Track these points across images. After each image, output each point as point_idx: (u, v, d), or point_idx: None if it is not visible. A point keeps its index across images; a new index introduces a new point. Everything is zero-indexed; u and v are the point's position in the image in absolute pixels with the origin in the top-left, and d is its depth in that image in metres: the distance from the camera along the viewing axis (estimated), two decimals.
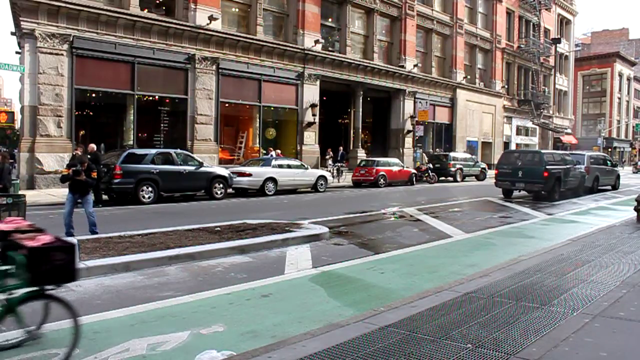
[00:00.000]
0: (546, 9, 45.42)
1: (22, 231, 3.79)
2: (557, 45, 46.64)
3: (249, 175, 17.53)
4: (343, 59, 26.39)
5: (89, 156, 13.73)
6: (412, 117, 30.69)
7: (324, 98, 26.52)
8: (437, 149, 33.09)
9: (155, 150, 16.22)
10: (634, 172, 45.28)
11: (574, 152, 26.01)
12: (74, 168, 9.10)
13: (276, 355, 3.68)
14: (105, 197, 14.45)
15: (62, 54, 17.17)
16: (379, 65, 28.73)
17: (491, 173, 25.49)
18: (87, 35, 17.76)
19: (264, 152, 23.42)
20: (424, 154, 31.26)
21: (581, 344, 4.02)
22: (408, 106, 30.82)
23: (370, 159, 24.97)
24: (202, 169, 16.18)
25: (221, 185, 16.46)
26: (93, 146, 14.52)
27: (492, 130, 39.48)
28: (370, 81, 28.19)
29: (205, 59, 20.82)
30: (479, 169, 29.65)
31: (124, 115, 19.82)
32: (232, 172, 17.35)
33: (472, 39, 36.80)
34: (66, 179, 9.18)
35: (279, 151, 23.16)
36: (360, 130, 29.11)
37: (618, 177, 23.95)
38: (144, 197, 14.49)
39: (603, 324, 4.53)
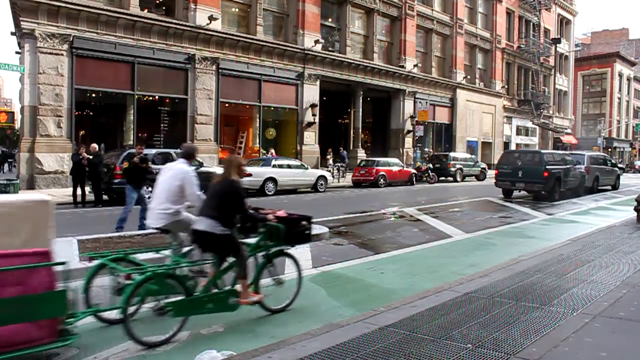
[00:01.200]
0: (546, 9, 45.42)
1: (261, 208, 5.48)
2: (557, 45, 46.64)
3: (249, 175, 17.51)
4: (343, 59, 26.39)
5: (90, 156, 13.80)
6: (412, 117, 30.69)
7: (324, 98, 26.52)
8: (433, 150, 33.07)
9: (155, 150, 16.21)
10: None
11: (574, 152, 26.02)
12: (141, 156, 9.67)
13: (276, 355, 3.68)
14: (105, 197, 14.44)
15: (62, 54, 17.18)
16: (379, 65, 28.73)
17: (491, 173, 25.50)
18: (87, 35, 17.76)
19: (264, 152, 23.44)
20: (418, 154, 31.23)
21: (581, 344, 4.02)
22: (408, 106, 30.82)
23: (370, 159, 24.97)
24: (202, 169, 16.15)
25: None
26: (95, 146, 14.52)
27: (492, 130, 39.49)
28: (370, 81, 28.19)
29: (205, 59, 20.82)
30: (479, 169, 29.66)
31: (124, 115, 19.82)
32: None
33: (472, 39, 36.81)
34: (130, 169, 9.63)
35: (272, 151, 23.17)
36: (360, 130, 29.12)
37: (618, 177, 23.96)
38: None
39: (603, 324, 4.53)
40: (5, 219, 3.94)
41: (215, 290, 4.74)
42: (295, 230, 5.31)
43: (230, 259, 4.85)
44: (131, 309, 4.18)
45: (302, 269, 5.53)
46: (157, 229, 5.48)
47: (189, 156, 5.73)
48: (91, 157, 13.75)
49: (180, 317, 4.36)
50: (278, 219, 5.13)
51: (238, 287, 4.78)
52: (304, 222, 5.43)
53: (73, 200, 13.95)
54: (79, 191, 14.03)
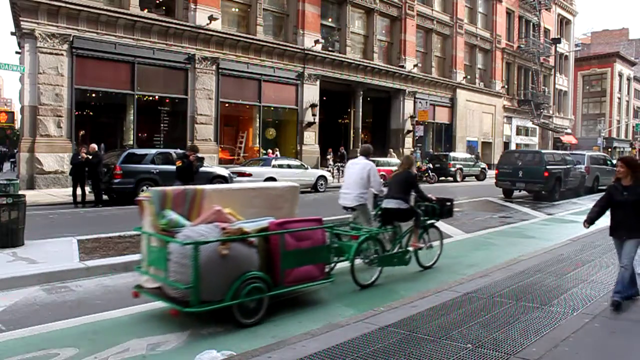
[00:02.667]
0: (546, 9, 45.40)
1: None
2: (557, 45, 46.61)
3: (249, 175, 17.51)
4: (343, 59, 26.38)
5: (90, 156, 13.80)
6: (412, 117, 30.67)
7: (324, 98, 26.50)
8: (433, 150, 33.07)
9: (155, 150, 16.21)
10: None
11: (574, 152, 26.01)
12: (197, 155, 10.58)
13: (276, 355, 3.68)
14: (105, 197, 14.44)
15: (62, 54, 17.17)
16: (379, 65, 28.72)
17: (491, 173, 25.49)
18: (87, 35, 17.75)
19: (264, 152, 23.44)
20: (418, 153, 31.17)
21: (581, 344, 4.02)
22: (408, 106, 30.81)
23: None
24: (202, 169, 16.15)
25: None
26: (94, 146, 14.52)
27: (492, 130, 39.48)
28: (370, 81, 28.18)
29: (205, 59, 20.82)
30: (479, 169, 29.65)
31: (124, 115, 19.81)
32: (232, 172, 17.34)
33: (472, 39, 36.80)
34: (184, 168, 10.37)
35: (270, 151, 23.11)
36: (360, 130, 29.10)
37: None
38: None
39: (603, 324, 4.54)
40: (277, 198, 6.05)
41: (397, 250, 6.72)
42: (444, 208, 7.46)
43: (405, 228, 6.90)
44: (353, 261, 5.91)
45: (443, 237, 7.69)
46: (348, 207, 7.10)
47: (367, 154, 7.42)
48: (90, 157, 13.75)
49: (379, 267, 6.30)
50: (439, 200, 7.41)
51: (410, 248, 6.82)
52: (448, 202, 7.57)
53: (73, 200, 13.94)
54: (79, 191, 14.02)
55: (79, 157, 13.85)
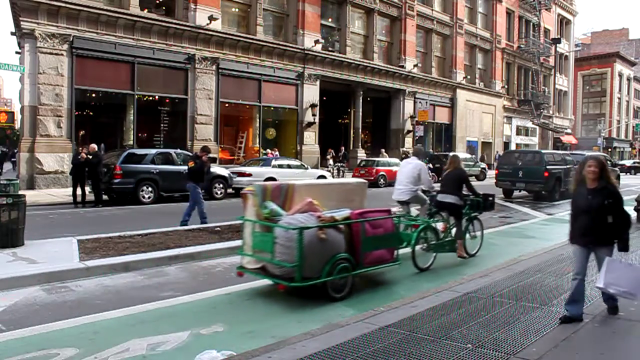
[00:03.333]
0: (546, 9, 45.39)
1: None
2: (557, 45, 46.60)
3: (249, 175, 17.51)
4: (343, 59, 26.38)
5: (90, 156, 13.80)
6: (412, 117, 30.67)
7: (324, 98, 26.50)
8: (434, 150, 33.06)
9: (155, 150, 16.21)
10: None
11: (574, 152, 26.00)
12: (208, 156, 10.67)
13: (276, 355, 3.68)
14: (105, 197, 14.44)
15: (62, 54, 17.17)
16: (379, 65, 28.72)
17: (491, 173, 25.48)
18: (87, 35, 17.74)
19: (264, 152, 23.45)
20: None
21: (581, 344, 4.02)
22: (408, 106, 30.81)
23: (370, 159, 24.95)
24: None
25: (221, 185, 16.46)
26: (94, 146, 14.52)
27: (492, 130, 39.47)
28: (370, 81, 28.18)
29: (205, 59, 20.82)
30: (479, 169, 29.64)
31: (124, 115, 19.81)
32: (232, 172, 17.34)
33: (472, 39, 36.79)
34: (196, 169, 10.44)
35: (269, 151, 23.01)
36: (360, 130, 29.10)
37: (618, 177, 23.91)
38: (144, 197, 14.49)
39: (603, 324, 4.54)
40: (350, 192, 7.00)
41: (448, 238, 7.62)
42: (487, 202, 8.30)
43: (453, 220, 7.78)
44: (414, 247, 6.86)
45: (483, 228, 8.49)
46: (401, 201, 8.28)
47: (419, 154, 8.63)
48: (90, 157, 13.75)
49: (434, 253, 7.23)
50: (483, 195, 8.27)
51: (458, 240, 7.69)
52: (490, 197, 8.40)
53: (73, 200, 13.95)
54: (79, 191, 14.02)
55: (79, 157, 13.86)
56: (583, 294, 4.64)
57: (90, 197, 14.13)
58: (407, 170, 8.22)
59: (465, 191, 7.81)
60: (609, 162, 22.78)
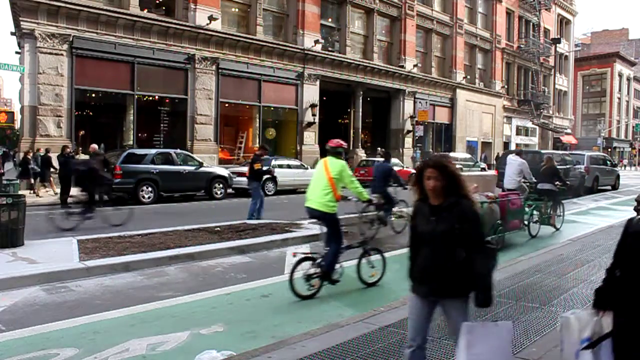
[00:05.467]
0: (546, 9, 45.39)
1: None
2: (557, 45, 46.60)
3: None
4: (343, 59, 26.38)
5: (88, 156, 13.78)
6: (412, 117, 30.66)
7: (324, 98, 26.49)
8: (434, 150, 33.05)
9: (155, 150, 16.21)
10: None
11: (573, 152, 26.00)
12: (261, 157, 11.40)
13: (276, 356, 3.68)
14: (105, 197, 14.41)
15: (62, 54, 17.17)
16: (378, 65, 28.71)
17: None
18: (87, 35, 17.74)
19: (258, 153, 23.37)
20: (418, 154, 31.13)
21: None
22: (408, 106, 30.80)
23: (371, 159, 24.94)
24: (202, 169, 16.19)
25: (221, 185, 16.46)
26: (95, 146, 14.51)
27: (492, 130, 39.46)
28: (370, 81, 28.17)
29: (205, 59, 20.81)
30: (479, 169, 29.64)
31: (124, 115, 19.80)
32: (232, 172, 17.34)
33: (472, 39, 36.79)
34: (261, 170, 11.22)
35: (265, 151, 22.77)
36: (360, 130, 29.09)
37: (618, 177, 23.93)
38: (143, 197, 14.49)
39: None
40: (489, 181, 9.80)
41: (546, 215, 10.66)
42: (570, 190, 11.43)
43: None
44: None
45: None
46: (510, 189, 10.00)
47: (521, 154, 11.69)
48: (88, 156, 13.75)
49: (541, 225, 10.33)
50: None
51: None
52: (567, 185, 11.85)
53: (61, 202, 13.32)
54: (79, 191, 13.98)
55: (66, 156, 13.85)
56: None
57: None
58: (514, 167, 10.67)
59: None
60: (608, 163, 22.97)
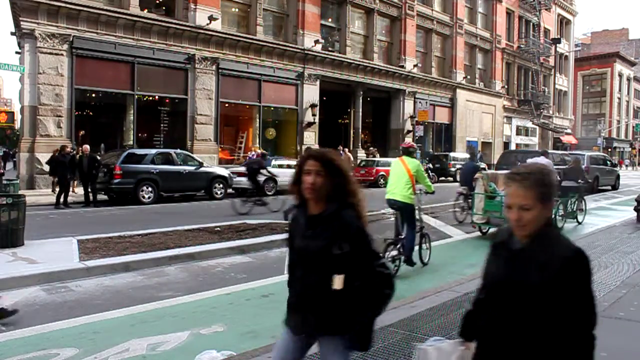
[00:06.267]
0: (546, 9, 45.38)
1: None
2: (557, 45, 46.59)
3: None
4: (343, 59, 26.37)
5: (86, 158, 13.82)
6: (412, 117, 30.65)
7: (324, 98, 26.49)
8: (434, 150, 33.07)
9: (155, 150, 16.21)
10: None
11: (573, 152, 26.00)
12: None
13: None
14: (105, 197, 14.44)
15: (62, 54, 17.16)
16: (378, 65, 28.71)
17: None
18: (87, 35, 17.74)
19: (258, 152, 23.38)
20: (418, 154, 31.11)
21: None
22: (408, 106, 30.80)
23: (370, 159, 24.95)
24: (202, 169, 16.19)
25: (221, 185, 16.46)
26: (87, 147, 14.52)
27: (492, 130, 39.46)
28: (370, 81, 28.17)
29: (205, 59, 20.81)
30: (479, 169, 29.63)
31: (124, 115, 19.80)
32: (232, 172, 17.34)
33: (472, 39, 36.78)
34: None
35: (258, 151, 22.45)
36: (360, 130, 29.09)
37: (618, 177, 23.93)
38: (143, 197, 14.48)
39: (603, 324, 4.51)
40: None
41: (570, 210, 11.64)
42: (592, 187, 14.80)
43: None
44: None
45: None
46: None
47: (546, 154, 12.80)
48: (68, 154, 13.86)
49: (566, 218, 11.21)
50: None
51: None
52: (589, 182, 14.14)
53: (56, 201, 13.49)
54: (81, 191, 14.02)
55: (64, 156, 13.90)
56: None
57: (79, 198, 14.10)
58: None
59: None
60: (608, 163, 22.98)
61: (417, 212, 7.06)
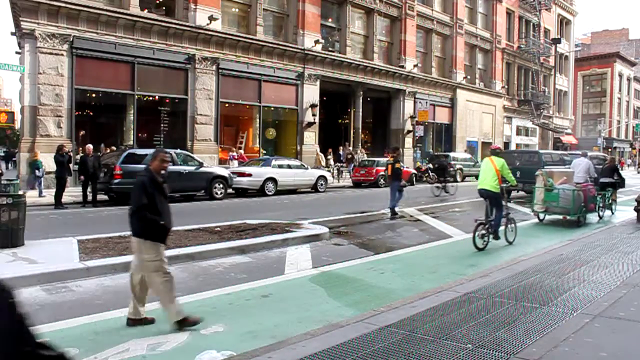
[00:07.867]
0: (546, 9, 45.38)
1: None
2: (557, 45, 46.59)
3: (249, 175, 17.52)
4: (343, 59, 26.38)
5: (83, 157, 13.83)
6: (412, 117, 30.66)
7: (324, 98, 26.50)
8: (434, 150, 33.07)
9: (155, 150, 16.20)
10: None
11: (573, 152, 25.99)
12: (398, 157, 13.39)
13: (276, 356, 3.68)
14: (105, 197, 14.44)
15: (62, 54, 17.17)
16: (378, 65, 28.71)
17: None
18: (87, 36, 17.75)
19: (265, 152, 23.43)
20: (418, 154, 31.11)
21: (581, 344, 4.02)
22: (408, 106, 30.80)
23: (370, 159, 24.94)
24: (202, 169, 16.19)
25: (221, 186, 16.46)
26: (90, 147, 14.52)
27: (492, 130, 39.46)
28: (370, 81, 28.18)
29: (205, 59, 20.82)
30: (479, 169, 29.63)
31: (124, 115, 19.81)
32: (232, 172, 17.34)
33: (472, 39, 36.78)
34: (397, 169, 12.90)
35: (241, 152, 22.34)
36: (360, 130, 29.09)
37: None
38: None
39: (603, 324, 4.53)
40: (571, 175, 12.55)
41: (607, 203, 13.23)
42: (623, 182, 14.58)
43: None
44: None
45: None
46: (578, 183, 11.92)
47: (586, 155, 13.60)
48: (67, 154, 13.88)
49: (602, 211, 12.89)
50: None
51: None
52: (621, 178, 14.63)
53: (55, 202, 13.50)
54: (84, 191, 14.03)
55: (63, 156, 13.92)
56: None
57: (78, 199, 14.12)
58: (583, 166, 12.72)
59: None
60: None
61: (502, 201, 8.89)
